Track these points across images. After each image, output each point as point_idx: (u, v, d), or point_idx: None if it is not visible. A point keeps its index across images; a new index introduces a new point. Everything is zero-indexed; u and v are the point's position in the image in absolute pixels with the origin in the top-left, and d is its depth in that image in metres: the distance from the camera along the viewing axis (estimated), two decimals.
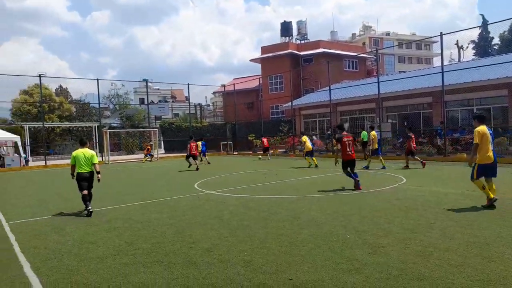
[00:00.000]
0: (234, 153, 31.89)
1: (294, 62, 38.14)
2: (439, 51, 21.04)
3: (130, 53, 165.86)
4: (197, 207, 8.24)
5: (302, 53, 38.64)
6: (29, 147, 27.21)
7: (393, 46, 64.03)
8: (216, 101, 69.56)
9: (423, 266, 4.18)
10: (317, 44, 39.52)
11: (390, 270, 4.12)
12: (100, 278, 4.20)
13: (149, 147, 27.38)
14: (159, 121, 39.72)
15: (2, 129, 27.34)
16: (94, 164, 8.10)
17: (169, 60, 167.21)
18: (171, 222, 6.86)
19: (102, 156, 26.34)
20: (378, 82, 21.60)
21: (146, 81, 36.75)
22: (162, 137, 34.56)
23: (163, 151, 33.66)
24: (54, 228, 6.73)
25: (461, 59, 44.73)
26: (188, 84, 32.84)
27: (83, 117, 36.74)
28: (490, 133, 7.12)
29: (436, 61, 68.88)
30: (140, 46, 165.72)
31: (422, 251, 4.69)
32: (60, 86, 43.80)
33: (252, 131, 32.01)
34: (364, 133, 19.81)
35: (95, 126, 28.90)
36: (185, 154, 19.15)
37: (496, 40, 52.76)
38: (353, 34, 76.78)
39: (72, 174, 8.13)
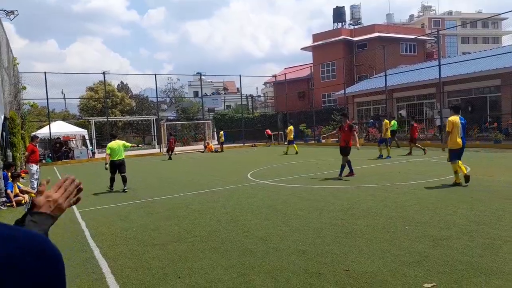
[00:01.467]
0: (285, 143, 31.82)
1: (347, 49, 36.93)
2: (511, 29, 19.14)
3: (184, 47, 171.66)
4: (251, 197, 8.38)
5: (355, 38, 37.24)
6: (95, 140, 29.32)
7: (456, 26, 59.45)
8: (267, 92, 69.71)
9: (491, 260, 3.91)
10: (371, 28, 37.81)
11: (454, 263, 3.90)
12: (161, 264, 4.45)
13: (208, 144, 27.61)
14: (212, 113, 40.74)
15: (71, 123, 29.72)
16: (126, 148, 10.40)
17: (220, 52, 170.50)
18: (226, 211, 7.05)
19: (160, 148, 27.65)
20: (440, 65, 20.23)
21: (199, 74, 37.81)
22: (215, 129, 35.48)
23: (216, 143, 34.54)
24: (119, 216, 7.23)
25: None
26: (240, 75, 33.36)
27: (142, 111, 38.74)
28: (461, 123, 8.22)
29: (506, 40, 62.80)
30: (193, 40, 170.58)
31: (490, 244, 4.38)
32: (122, 82, 46.51)
33: (304, 121, 31.67)
34: (394, 122, 19.19)
35: (153, 119, 30.36)
36: (240, 144, 19.85)
37: None
38: (411, 16, 72.50)
39: (106, 163, 9.90)
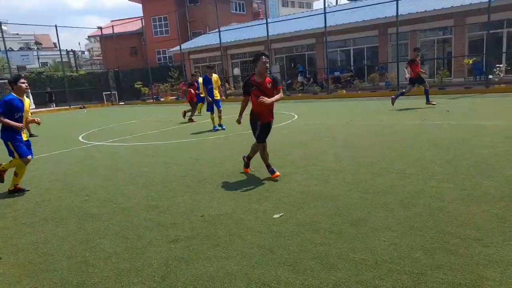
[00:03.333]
0: (120, 103, 29.52)
1: (179, 3, 35.70)
2: None
3: None
4: (86, 159, 7.40)
5: None
6: None
7: None
8: (92, 48, 62.18)
9: (324, 187, 4.47)
10: None
11: (295, 194, 4.30)
12: None
13: None
14: (24, 72, 33.92)
15: None
16: None
17: (26, 0, 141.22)
18: (56, 178, 6.02)
19: None
20: (267, 23, 21.71)
21: None
22: (29, 90, 29.81)
23: (33, 106, 29.23)
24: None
25: (338, 2, 47.60)
26: (56, 25, 28.16)
27: None
28: None
29: (316, 5, 72.39)
30: None
31: (321, 175, 5.01)
32: None
33: (139, 79, 29.77)
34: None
35: None
36: (66, 106, 17.00)
37: None
38: None
39: None
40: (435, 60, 21.00)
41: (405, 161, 5.37)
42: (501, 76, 16.91)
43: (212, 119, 10.29)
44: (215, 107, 10.14)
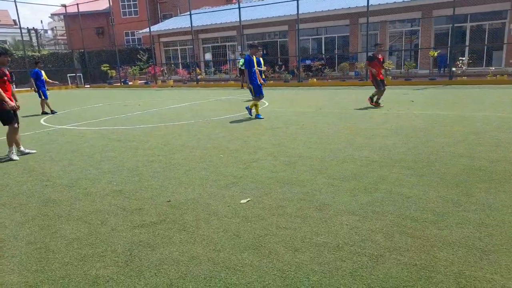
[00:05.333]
0: (86, 86, 28.42)
1: None
2: None
3: None
4: (48, 143, 7.11)
5: None
6: None
7: None
8: (56, 27, 59.11)
9: (291, 173, 4.53)
10: None
11: (263, 180, 4.34)
12: None
13: None
14: None
15: None
16: None
17: None
18: (15, 163, 5.75)
19: None
20: (240, 8, 21.43)
21: None
22: None
23: None
24: None
25: None
26: (15, 1, 26.44)
27: None
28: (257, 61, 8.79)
29: None
30: None
31: (289, 161, 5.07)
32: None
33: (106, 61, 28.70)
34: (241, 60, 19.51)
35: None
36: (27, 88, 16.03)
37: None
38: None
39: None
40: (403, 52, 21.57)
41: (370, 149, 5.53)
42: (464, 68, 17.65)
43: (257, 106, 9.03)
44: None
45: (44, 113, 12.01)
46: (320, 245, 2.78)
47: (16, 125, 6.01)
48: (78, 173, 4.97)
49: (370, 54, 9.50)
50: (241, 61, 19.49)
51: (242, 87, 19.62)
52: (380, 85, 9.98)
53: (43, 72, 12.34)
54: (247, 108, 9.29)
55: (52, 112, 12.10)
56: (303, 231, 3.01)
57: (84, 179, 4.66)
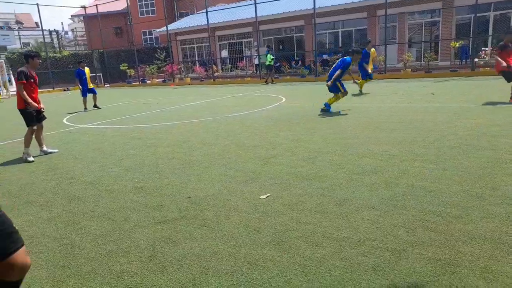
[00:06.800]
0: (106, 85, 28.97)
1: None
2: None
3: None
4: (71, 142, 7.31)
5: None
6: None
7: None
8: (76, 28, 60.43)
9: (310, 169, 4.51)
10: None
11: (282, 175, 4.33)
12: None
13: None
14: (4, 53, 32.88)
15: None
16: None
17: None
18: (41, 161, 5.94)
19: None
20: (256, 4, 21.37)
21: None
22: (11, 71, 28.96)
23: (15, 89, 28.48)
24: None
25: None
26: (38, 4, 27.18)
27: None
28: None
29: None
30: None
31: (308, 156, 5.05)
32: None
33: (124, 60, 29.18)
34: (269, 56, 19.50)
35: None
36: (49, 88, 16.57)
37: None
38: None
39: None
40: (422, 43, 21.07)
41: (390, 143, 5.44)
42: (487, 59, 17.10)
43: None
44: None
45: (86, 109, 12.79)
46: (341, 240, 2.76)
47: (35, 127, 6.18)
48: (101, 171, 5.09)
49: (501, 42, 8.49)
50: (269, 56, 19.45)
51: (267, 82, 19.60)
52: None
53: (86, 71, 12.87)
54: (325, 105, 8.70)
55: (95, 106, 12.96)
56: (323, 226, 3.00)
57: (106, 177, 4.77)
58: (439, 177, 3.90)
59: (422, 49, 21.08)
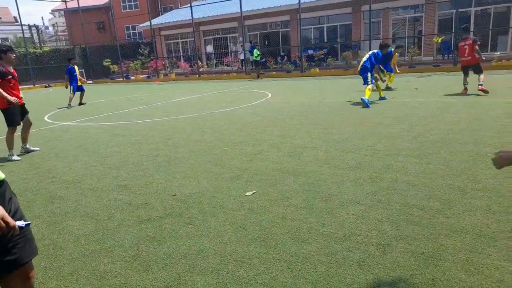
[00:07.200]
0: (88, 81, 28.39)
1: None
2: None
3: None
4: (52, 140, 7.14)
5: None
6: None
7: None
8: (56, 23, 58.97)
9: (296, 164, 4.52)
10: None
11: (267, 171, 4.33)
12: None
13: None
14: None
15: None
16: None
17: None
18: (21, 159, 5.79)
19: None
20: None
21: None
22: None
23: None
24: None
25: None
26: None
27: None
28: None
29: None
30: None
31: (293, 152, 5.06)
32: None
33: (108, 56, 28.67)
34: (256, 51, 19.44)
35: None
36: (30, 85, 16.23)
37: None
38: None
39: None
40: (406, 39, 21.32)
41: (374, 138, 5.49)
42: None
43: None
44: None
45: (69, 105, 12.58)
46: (327, 235, 2.77)
47: (16, 127, 5.94)
48: (83, 169, 4.99)
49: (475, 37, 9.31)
50: (255, 52, 19.38)
51: (258, 77, 19.61)
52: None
53: (76, 68, 12.94)
54: (363, 100, 8.36)
55: (81, 103, 12.97)
56: (309, 222, 3.01)
57: (89, 175, 4.68)
58: (422, 171, 3.96)
59: (406, 44, 21.33)
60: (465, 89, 9.13)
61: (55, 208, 3.69)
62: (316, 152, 4.96)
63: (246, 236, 2.86)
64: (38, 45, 35.14)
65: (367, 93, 8.52)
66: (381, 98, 9.11)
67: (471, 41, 9.14)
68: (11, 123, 5.88)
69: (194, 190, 3.92)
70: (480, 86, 8.75)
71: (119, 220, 3.30)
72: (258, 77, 19.66)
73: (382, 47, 9.51)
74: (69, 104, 12.52)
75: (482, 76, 8.91)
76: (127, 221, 3.27)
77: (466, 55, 9.21)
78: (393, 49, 11.08)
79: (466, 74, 9.23)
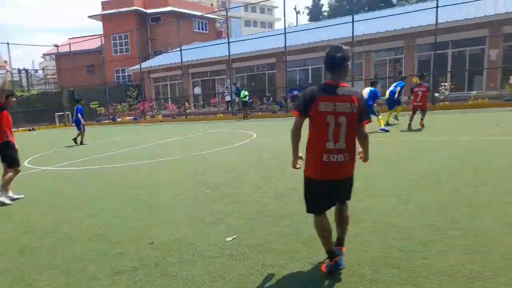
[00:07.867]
0: (73, 124, 28.29)
1: (140, 21, 35.38)
2: (280, 16, 22.41)
3: None
4: (30, 186, 6.98)
5: (149, 10, 36.05)
6: None
7: (240, 6, 66.49)
8: (47, 66, 59.65)
9: (279, 207, 4.47)
10: (165, 1, 37.33)
11: (249, 215, 4.26)
12: None
13: None
14: None
15: None
16: None
17: None
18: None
19: None
20: (229, 42, 21.97)
21: None
22: None
23: None
24: None
25: (298, 24, 49.31)
26: (8, 43, 26.90)
27: None
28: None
29: (277, 25, 74.95)
30: None
31: (277, 194, 5.02)
32: None
33: (95, 98, 28.84)
34: (243, 92, 19.88)
35: None
36: (13, 128, 16.16)
37: (326, 7, 61.57)
38: None
39: None
40: (387, 79, 22.08)
41: (355, 178, 5.50)
42: (446, 94, 18.05)
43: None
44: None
45: (80, 142, 13.84)
46: (307, 283, 2.69)
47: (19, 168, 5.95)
48: (59, 217, 4.84)
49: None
50: (243, 93, 19.80)
51: (245, 117, 19.86)
52: None
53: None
54: (383, 129, 10.33)
55: (81, 143, 13.87)
56: (289, 268, 2.93)
57: (65, 223, 4.53)
58: (402, 211, 3.95)
59: (387, 85, 22.05)
60: (409, 125, 10.42)
61: (24, 261, 3.52)
62: (299, 193, 4.92)
63: (223, 286, 2.76)
64: (26, 88, 35.29)
65: (381, 122, 10.30)
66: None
67: (425, 88, 10.45)
68: (17, 164, 5.96)
69: (173, 236, 3.82)
70: (421, 121, 10.32)
71: (92, 273, 3.16)
72: (245, 117, 19.93)
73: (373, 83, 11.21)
74: (81, 142, 13.71)
75: (425, 116, 10.44)
76: (100, 273, 3.13)
77: (418, 100, 10.45)
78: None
79: (414, 114, 10.58)
